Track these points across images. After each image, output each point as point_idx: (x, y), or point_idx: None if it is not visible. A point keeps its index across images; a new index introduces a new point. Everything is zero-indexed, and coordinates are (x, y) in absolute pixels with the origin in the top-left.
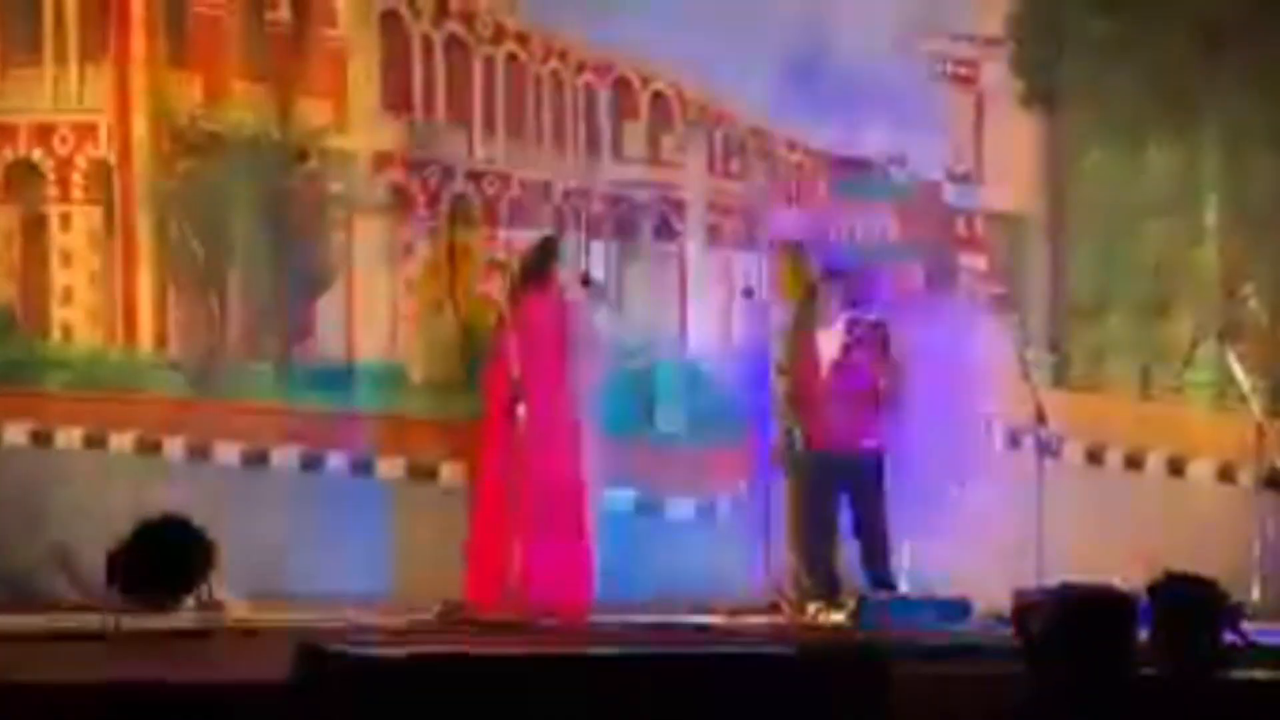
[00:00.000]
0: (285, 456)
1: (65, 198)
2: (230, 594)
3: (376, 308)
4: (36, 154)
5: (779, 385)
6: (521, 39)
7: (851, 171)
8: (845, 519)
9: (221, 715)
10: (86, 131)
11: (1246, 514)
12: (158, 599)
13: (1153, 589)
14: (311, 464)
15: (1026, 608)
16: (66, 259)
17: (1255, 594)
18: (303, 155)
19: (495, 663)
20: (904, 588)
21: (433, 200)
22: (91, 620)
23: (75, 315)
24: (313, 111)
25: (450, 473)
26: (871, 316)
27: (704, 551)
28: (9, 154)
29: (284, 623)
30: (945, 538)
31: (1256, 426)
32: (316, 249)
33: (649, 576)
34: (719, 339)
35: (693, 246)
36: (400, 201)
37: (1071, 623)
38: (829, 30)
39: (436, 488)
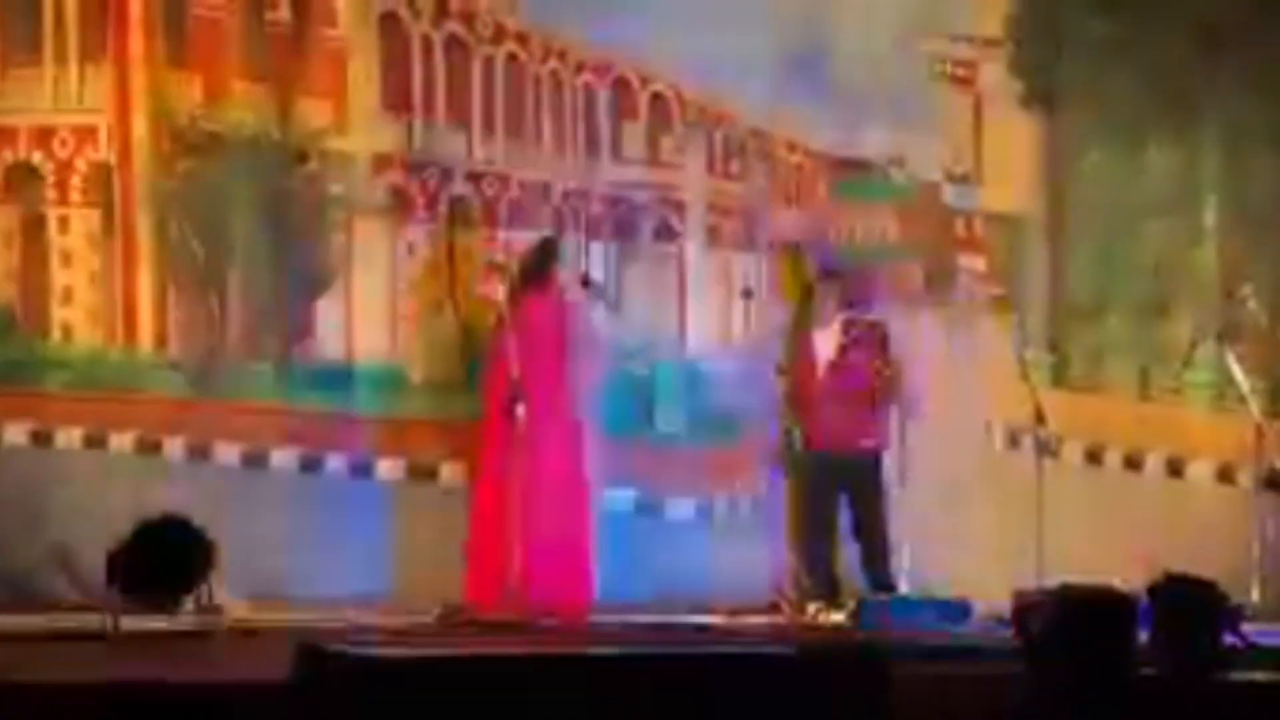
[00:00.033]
0: (285, 457)
1: (65, 199)
2: (230, 594)
3: (376, 308)
4: (36, 156)
5: (779, 385)
6: (521, 39)
7: (851, 172)
8: (845, 519)
9: (221, 715)
10: (86, 133)
11: (1246, 515)
12: (158, 599)
13: (1152, 590)
14: (311, 464)
15: (1026, 608)
16: (66, 259)
17: (1255, 595)
18: (302, 156)
19: (495, 663)
20: (904, 588)
21: (432, 201)
22: (91, 620)
23: (75, 315)
24: (312, 112)
25: (450, 473)
26: (869, 316)
27: (704, 552)
28: (9, 156)
29: (284, 623)
30: (945, 538)
31: (1255, 427)
32: (316, 250)
33: (649, 577)
34: (718, 339)
35: (692, 247)
36: (400, 202)
37: (1071, 623)
38: (828, 31)
39: (436, 488)
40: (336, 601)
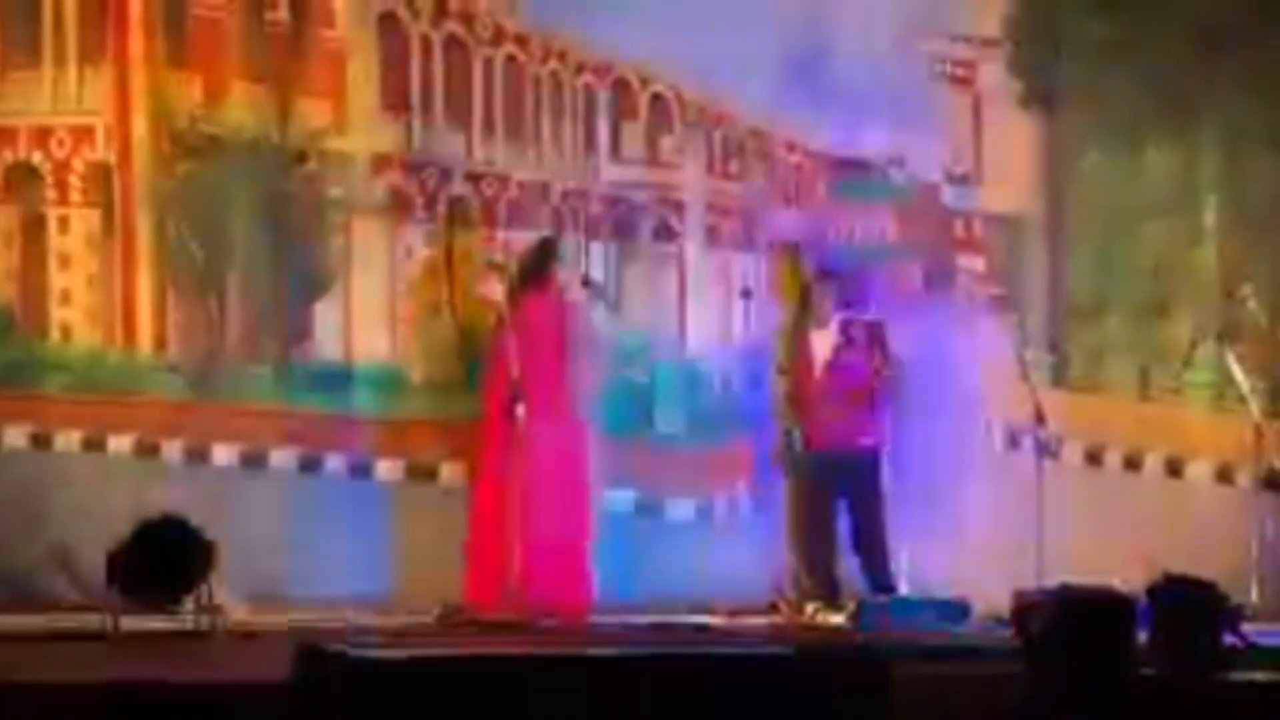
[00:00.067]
0: (284, 458)
1: (64, 200)
2: (230, 595)
3: (375, 309)
4: (36, 156)
5: (778, 386)
6: (520, 40)
7: (850, 172)
8: (844, 519)
9: (221, 716)
10: (85, 133)
11: (1245, 515)
12: (157, 600)
13: (1152, 590)
14: (311, 466)
15: (1026, 609)
16: (65, 261)
17: (1254, 595)
18: (301, 157)
19: (495, 663)
20: (903, 588)
21: (431, 202)
22: (91, 621)
23: (74, 317)
24: (312, 112)
25: (450, 473)
26: (867, 316)
27: (703, 552)
28: (8, 156)
29: (284, 623)
30: (945, 538)
31: (1255, 427)
32: (315, 251)
33: (648, 577)
34: (718, 340)
35: (692, 248)
36: (399, 203)
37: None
38: (828, 31)
39: (436, 489)
40: (336, 602)
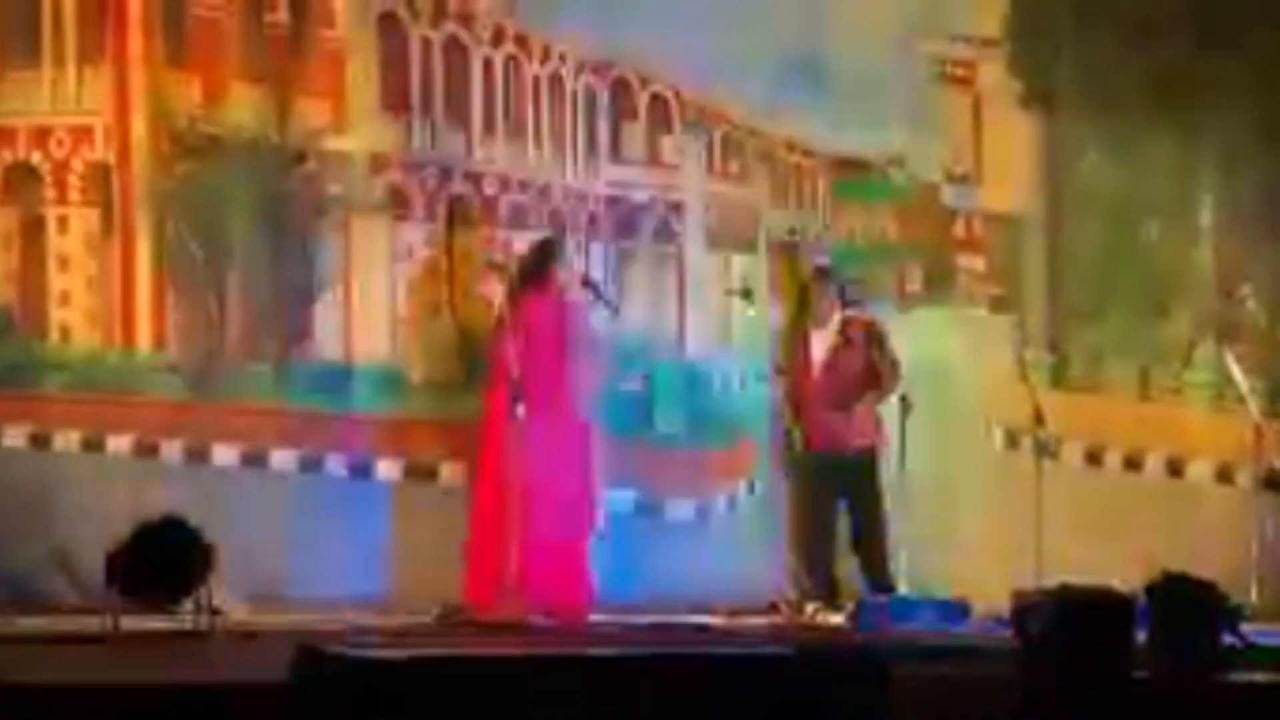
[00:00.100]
0: (284, 458)
1: (63, 200)
2: (229, 596)
3: (375, 309)
4: (35, 156)
5: (777, 386)
6: (520, 40)
7: (850, 172)
8: (844, 519)
9: (221, 716)
10: (84, 133)
11: (1245, 515)
12: (157, 601)
13: (1151, 590)
14: (310, 465)
15: (1025, 609)
16: (65, 261)
17: (1254, 595)
18: (301, 157)
19: (494, 664)
20: (903, 588)
21: (431, 201)
22: (91, 622)
23: (73, 317)
24: (311, 112)
25: (449, 474)
26: (865, 316)
27: (703, 552)
28: (7, 156)
29: (283, 624)
30: (945, 538)
31: (1255, 427)
32: (315, 251)
33: (648, 577)
34: (718, 340)
35: (691, 248)
36: (399, 203)
37: (1070, 624)
38: (828, 31)
39: (435, 489)
40: (335, 602)
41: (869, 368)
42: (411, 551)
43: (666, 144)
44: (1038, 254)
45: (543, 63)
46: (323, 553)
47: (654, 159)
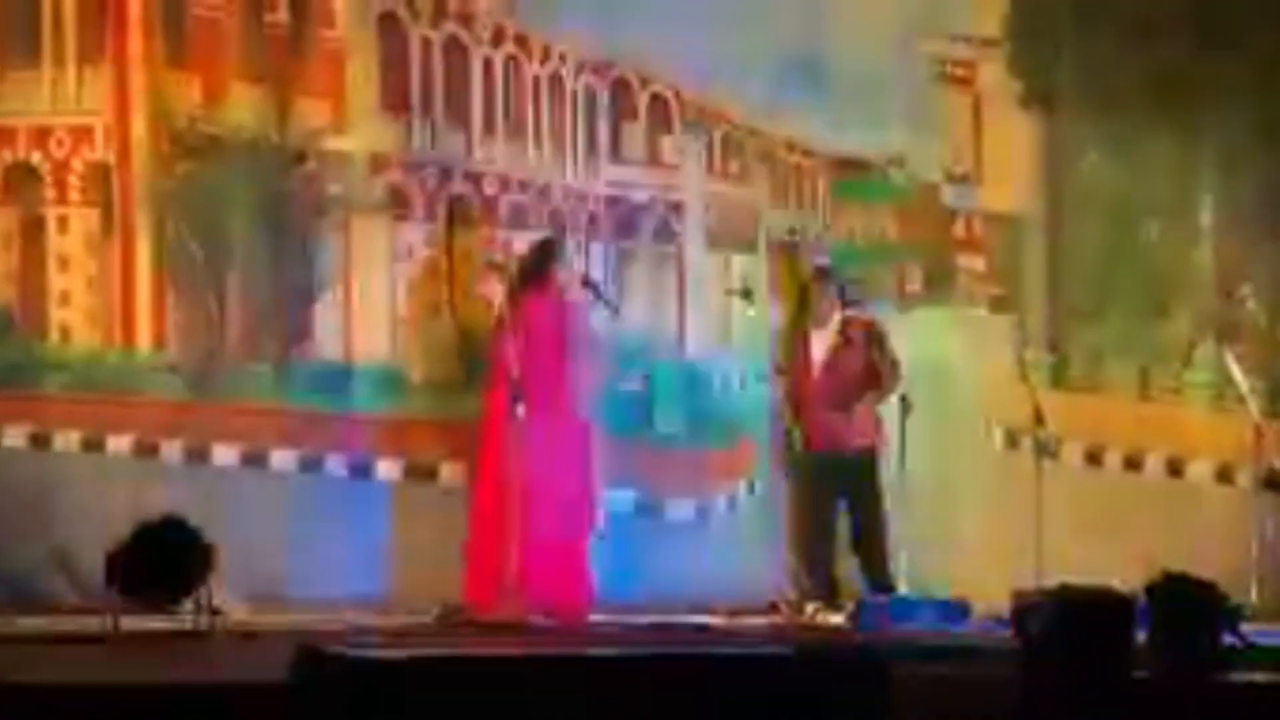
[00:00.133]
0: (284, 458)
1: (63, 200)
2: (229, 596)
3: (375, 309)
4: (35, 156)
5: (777, 386)
6: (520, 40)
7: (850, 172)
8: (844, 519)
9: (221, 717)
10: (84, 133)
11: (1245, 515)
12: (157, 601)
13: (1151, 590)
14: (310, 465)
15: (1025, 609)
16: (65, 261)
17: (1254, 595)
18: (301, 157)
19: (494, 664)
20: (903, 588)
21: (431, 201)
22: (91, 623)
23: (73, 317)
24: (311, 112)
25: (449, 474)
26: (865, 316)
27: (703, 552)
28: (8, 156)
29: (283, 624)
30: (945, 538)
31: (1254, 427)
32: (315, 251)
33: (648, 577)
34: (718, 340)
35: (691, 248)
36: (398, 203)
37: (1070, 624)
38: (828, 31)
39: (435, 489)
40: (335, 602)
41: (869, 368)
42: (411, 551)
43: (666, 144)
44: (1038, 254)
45: (543, 63)
46: (323, 553)
47: (654, 159)
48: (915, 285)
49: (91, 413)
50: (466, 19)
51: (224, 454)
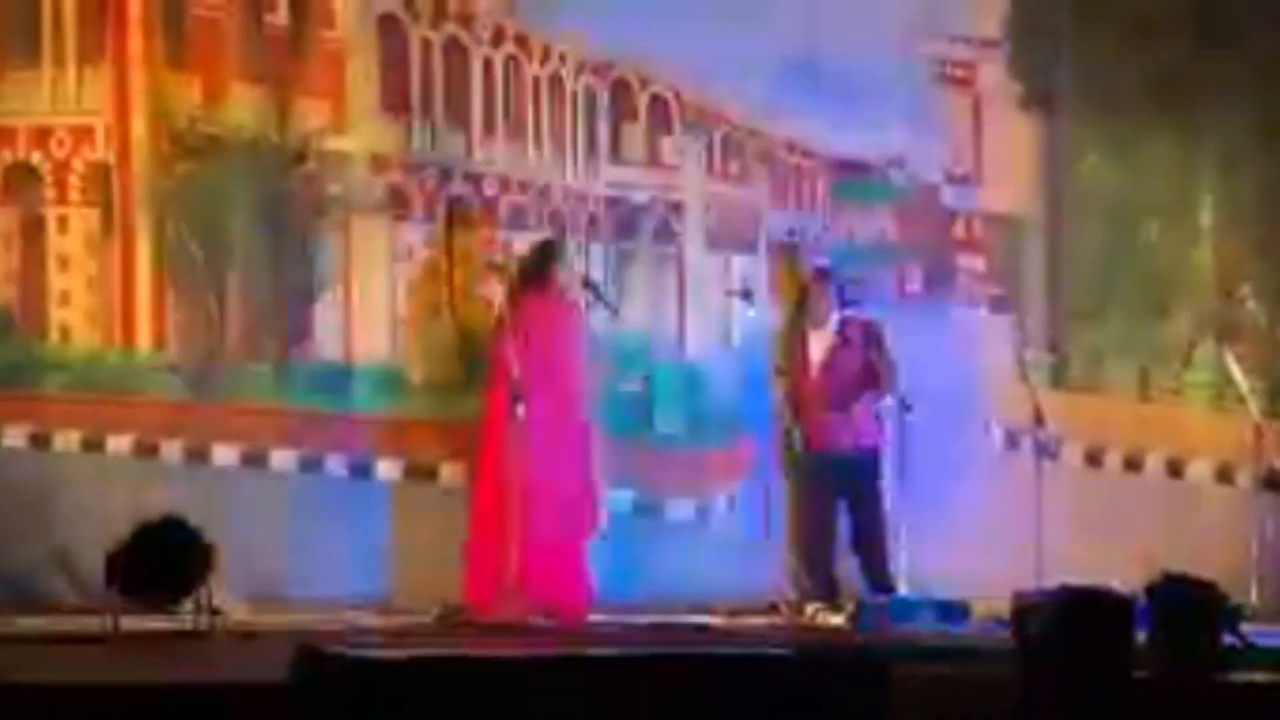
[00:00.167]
0: (284, 458)
1: (63, 200)
2: (229, 596)
3: (375, 309)
4: (35, 156)
5: (777, 386)
6: (520, 41)
7: (850, 173)
8: (844, 519)
9: (221, 717)
10: (84, 134)
11: (1245, 515)
12: (157, 601)
13: (1151, 590)
14: (310, 466)
15: (1025, 609)
16: (65, 261)
17: (1254, 595)
18: (301, 157)
19: (494, 664)
20: (903, 588)
21: (431, 202)
22: (91, 623)
23: (73, 317)
24: (311, 113)
25: (449, 474)
26: (864, 316)
27: (703, 552)
28: (8, 156)
29: (283, 624)
30: (945, 538)
31: (1255, 427)
32: (315, 251)
33: (648, 577)
34: (718, 341)
35: (691, 248)
36: (398, 203)
37: (1069, 625)
38: (828, 32)
39: (435, 489)
40: (335, 602)
41: (868, 368)
42: (411, 552)
43: (666, 145)
44: (1038, 254)
45: (543, 63)
46: (323, 553)
47: (654, 160)
48: (915, 285)
49: (91, 413)
50: (466, 19)
51: (224, 454)
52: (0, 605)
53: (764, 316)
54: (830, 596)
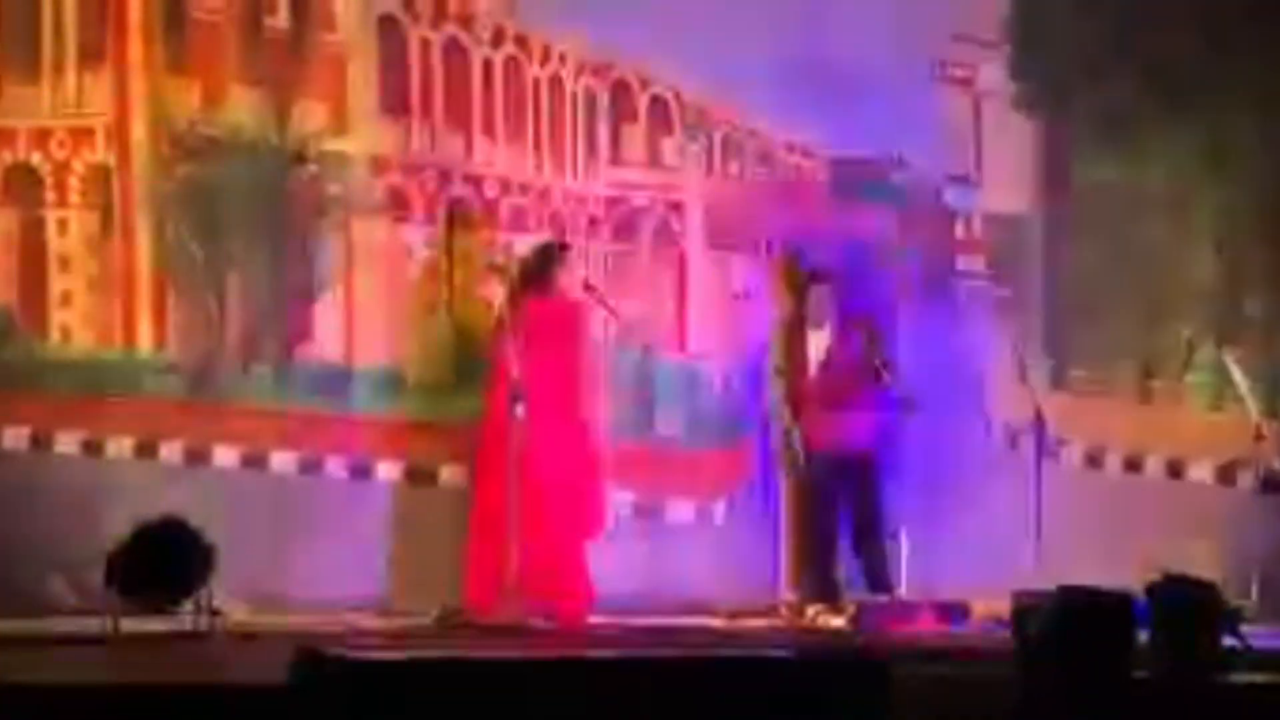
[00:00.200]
0: (284, 459)
1: (64, 201)
2: (229, 597)
3: (375, 310)
4: (35, 158)
5: (776, 386)
6: (520, 42)
7: (850, 173)
8: (844, 520)
9: (220, 718)
10: (84, 135)
11: (1245, 515)
12: (157, 602)
13: (1151, 591)
14: (310, 467)
15: (1025, 609)
16: (65, 262)
17: (1254, 596)
18: (301, 159)
19: (494, 666)
20: (903, 589)
21: (431, 203)
22: (91, 624)
23: (74, 318)
24: (311, 115)
25: (449, 475)
26: (863, 316)
27: (703, 553)
28: (8, 158)
29: (283, 626)
30: (945, 539)
31: (1255, 428)
32: (315, 252)
33: (648, 578)
34: (718, 341)
35: (692, 249)
36: (398, 204)
37: (1069, 625)
38: (828, 32)
39: (435, 490)
40: (335, 604)
41: (868, 368)
42: (411, 553)
43: (667, 145)
44: (1038, 254)
45: (542, 64)
46: (322, 554)
47: (654, 161)
48: (915, 285)
49: (92, 413)
50: (466, 20)
51: (224, 454)
52: (0, 606)
53: (763, 316)
54: (830, 597)
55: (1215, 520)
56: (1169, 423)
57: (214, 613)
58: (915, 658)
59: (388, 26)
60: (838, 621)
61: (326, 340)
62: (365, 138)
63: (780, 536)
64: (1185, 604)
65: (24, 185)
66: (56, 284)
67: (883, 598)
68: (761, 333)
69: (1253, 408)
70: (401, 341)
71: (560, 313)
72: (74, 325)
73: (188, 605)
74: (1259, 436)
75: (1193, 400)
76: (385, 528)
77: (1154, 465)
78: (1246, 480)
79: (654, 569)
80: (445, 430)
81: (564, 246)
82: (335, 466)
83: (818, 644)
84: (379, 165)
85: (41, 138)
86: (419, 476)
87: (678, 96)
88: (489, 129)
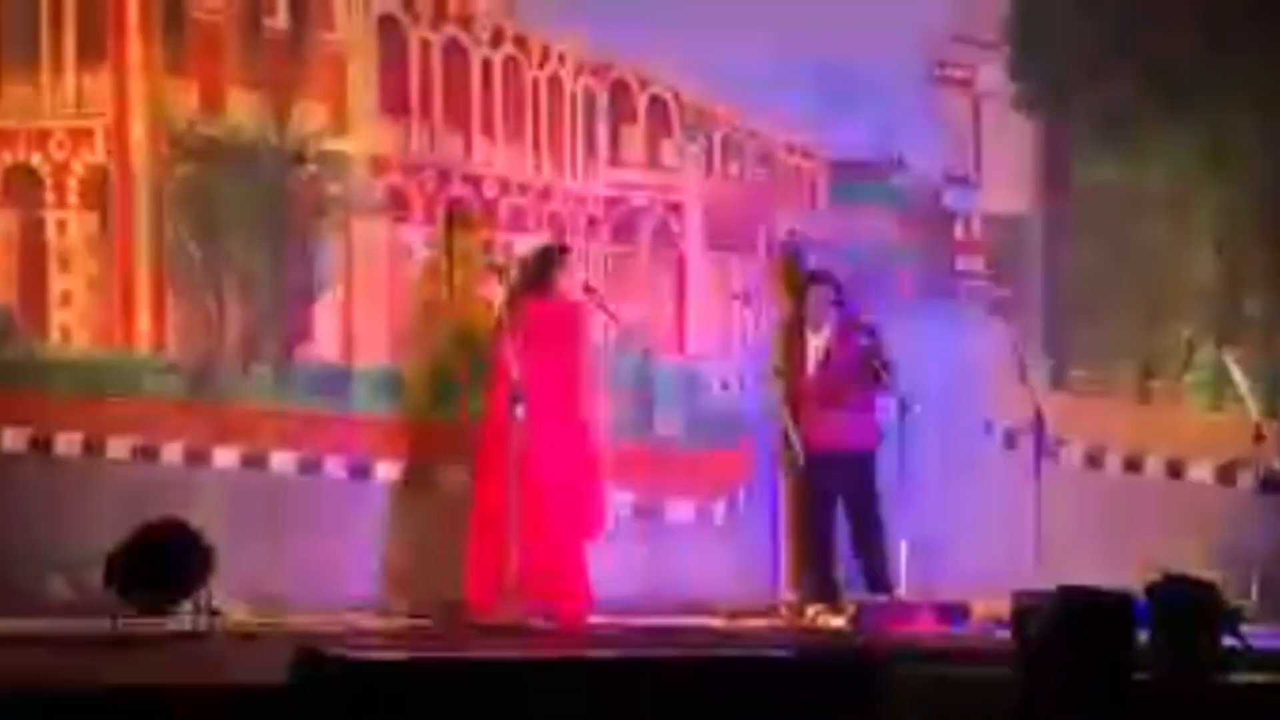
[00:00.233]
0: (283, 459)
1: (63, 202)
2: (228, 597)
3: (375, 310)
4: (35, 159)
5: (776, 387)
6: (519, 42)
7: (850, 173)
8: (843, 520)
9: (220, 718)
10: (84, 136)
11: (1245, 515)
12: (157, 602)
13: (1151, 591)
14: (310, 467)
15: (1025, 610)
16: (65, 262)
17: (1254, 596)
18: (301, 159)
19: (494, 666)
20: (903, 589)
21: (430, 203)
22: (91, 625)
23: (73, 318)
24: (310, 115)
25: (449, 476)
26: (863, 317)
27: (703, 553)
28: (8, 158)
29: (282, 626)
30: (945, 539)
31: (1255, 428)
32: (315, 252)
33: (648, 578)
34: (718, 342)
35: (691, 250)
36: (398, 205)
37: (1069, 625)
38: (828, 33)
39: (435, 491)
40: (335, 604)
41: (867, 368)
42: (411, 553)
43: (666, 146)
44: (1038, 254)
45: (542, 65)
46: (322, 554)
47: (653, 161)
48: (915, 286)
49: (91, 413)
50: (466, 21)
51: (224, 455)
52: (0, 606)
53: (763, 317)
54: (830, 597)
55: (1215, 520)
56: (1169, 423)
57: (214, 613)
58: (915, 658)
59: (387, 27)
60: (838, 621)
61: (326, 340)
62: (365, 138)
63: (780, 536)
64: (1185, 604)
65: (24, 186)
66: (56, 284)
67: (882, 598)
68: (761, 334)
69: (1253, 408)
70: (401, 341)
71: (560, 314)
72: (74, 325)
73: (187, 605)
74: (1259, 436)
75: (1193, 400)
76: (384, 528)
77: (1154, 465)
78: (1246, 480)
79: (654, 569)
80: (445, 430)
81: (564, 249)
82: (335, 467)
83: (818, 644)
84: (379, 165)
85: (41, 138)
86: (417, 477)
87: (677, 97)
88: (488, 129)
